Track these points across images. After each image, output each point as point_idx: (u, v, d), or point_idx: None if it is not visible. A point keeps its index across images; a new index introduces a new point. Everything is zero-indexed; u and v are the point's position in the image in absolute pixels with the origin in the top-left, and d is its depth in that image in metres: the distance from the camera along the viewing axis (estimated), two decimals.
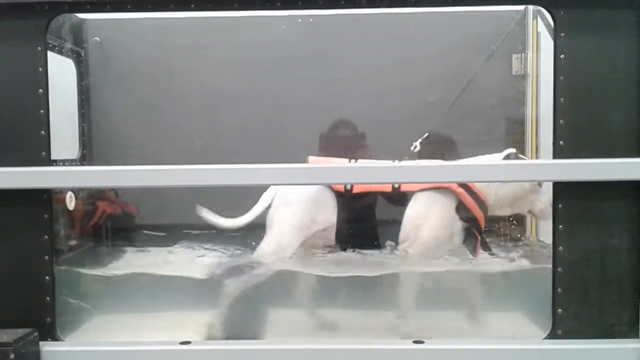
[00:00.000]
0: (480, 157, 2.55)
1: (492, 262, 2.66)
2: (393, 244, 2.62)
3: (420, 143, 2.79)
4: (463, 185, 2.53)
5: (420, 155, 2.78)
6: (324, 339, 2.37)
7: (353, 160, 2.61)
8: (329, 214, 2.63)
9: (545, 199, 2.57)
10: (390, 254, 2.62)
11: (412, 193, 2.60)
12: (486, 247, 2.63)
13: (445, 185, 2.54)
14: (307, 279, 2.70)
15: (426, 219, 2.58)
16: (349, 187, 2.59)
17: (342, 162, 2.63)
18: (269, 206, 2.66)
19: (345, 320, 2.60)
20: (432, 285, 2.64)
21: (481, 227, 2.58)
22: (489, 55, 2.90)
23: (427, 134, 2.82)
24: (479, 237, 2.59)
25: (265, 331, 2.55)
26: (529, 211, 2.67)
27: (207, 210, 2.67)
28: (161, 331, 2.45)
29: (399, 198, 2.60)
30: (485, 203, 2.56)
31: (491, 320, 2.58)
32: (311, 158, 2.63)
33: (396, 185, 2.57)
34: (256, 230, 2.71)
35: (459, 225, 2.58)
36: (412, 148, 2.81)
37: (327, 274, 2.65)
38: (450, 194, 2.56)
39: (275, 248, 2.62)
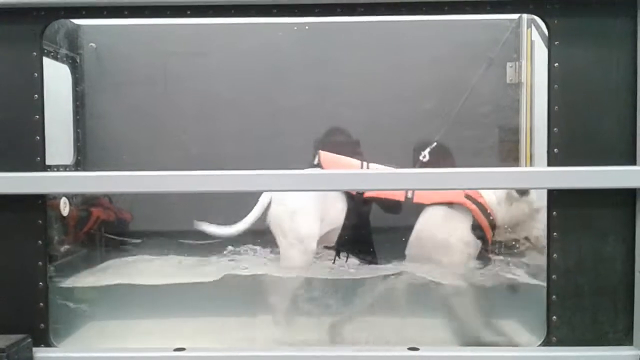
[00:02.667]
0: None
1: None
2: None
3: (429, 153, 2.79)
4: (476, 203, 2.53)
5: (429, 165, 2.77)
6: (319, 346, 2.36)
7: (365, 164, 2.58)
8: (337, 214, 2.60)
9: (541, 226, 2.54)
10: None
11: (423, 206, 2.57)
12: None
13: (460, 200, 2.53)
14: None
15: (449, 236, 2.56)
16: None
17: (354, 163, 2.61)
18: (268, 206, 2.62)
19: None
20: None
21: (488, 243, 2.59)
22: (488, 64, 2.91)
23: (435, 143, 2.81)
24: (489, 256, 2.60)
25: None
26: (526, 237, 2.65)
27: (205, 223, 2.66)
28: (155, 338, 2.44)
29: (410, 209, 2.58)
30: (496, 222, 2.57)
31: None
32: (323, 153, 2.62)
33: (409, 195, 2.55)
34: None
35: (477, 247, 2.56)
36: (421, 157, 2.80)
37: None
38: (465, 211, 2.55)
39: (300, 253, 2.58)
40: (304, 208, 2.60)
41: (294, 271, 2.60)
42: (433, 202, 2.57)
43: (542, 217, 2.52)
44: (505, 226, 2.62)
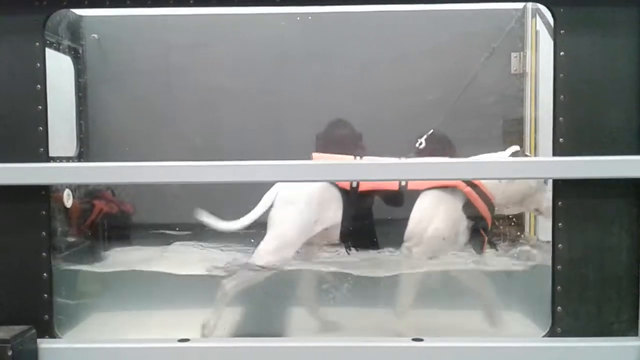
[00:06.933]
0: (486, 155, 2.54)
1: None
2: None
3: (426, 140, 2.78)
4: (471, 184, 2.52)
5: (425, 152, 2.76)
6: (322, 336, 2.36)
7: (358, 158, 2.57)
8: (334, 213, 2.59)
9: (550, 196, 2.56)
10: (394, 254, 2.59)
11: (419, 192, 2.56)
12: (492, 245, 2.62)
13: (453, 183, 2.52)
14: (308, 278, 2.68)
15: (433, 219, 2.55)
16: (354, 184, 2.56)
17: (346, 159, 2.60)
18: (271, 206, 2.60)
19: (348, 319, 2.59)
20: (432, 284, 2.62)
21: (488, 225, 2.57)
22: (490, 54, 2.89)
23: (432, 130, 2.81)
24: (486, 237, 2.58)
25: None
26: (536, 209, 2.65)
27: (206, 213, 2.63)
28: (159, 329, 2.44)
29: (405, 196, 2.56)
30: (493, 202, 2.55)
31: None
32: (315, 155, 2.60)
33: (403, 184, 2.54)
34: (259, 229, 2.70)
35: (465, 224, 2.56)
36: (417, 145, 2.80)
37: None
38: (458, 192, 2.54)
39: (275, 247, 2.57)
40: (295, 208, 2.59)
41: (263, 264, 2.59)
42: (427, 187, 2.57)
43: (550, 187, 2.54)
44: (513, 204, 2.62)
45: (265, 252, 2.57)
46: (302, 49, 3.21)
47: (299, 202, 2.60)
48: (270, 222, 2.60)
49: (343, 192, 2.60)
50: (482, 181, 2.54)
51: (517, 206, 2.66)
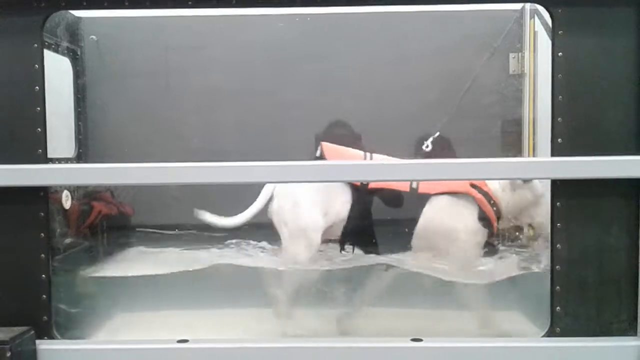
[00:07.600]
0: None
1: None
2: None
3: (432, 142, 2.78)
4: (481, 191, 2.52)
5: (431, 154, 2.76)
6: (322, 337, 2.36)
7: (369, 154, 2.56)
8: (341, 207, 2.57)
9: (544, 212, 2.56)
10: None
11: (428, 195, 2.55)
12: (495, 252, 2.63)
13: (465, 190, 2.52)
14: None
15: (460, 225, 2.54)
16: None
17: (357, 153, 2.60)
18: (270, 200, 2.60)
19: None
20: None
21: (493, 232, 2.58)
22: (491, 54, 2.89)
23: (438, 133, 2.80)
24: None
25: None
26: (529, 224, 2.67)
27: (205, 212, 2.65)
28: (158, 330, 2.44)
29: (416, 199, 2.56)
30: (500, 210, 2.55)
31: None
32: (325, 145, 2.59)
33: (414, 185, 2.53)
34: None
35: (483, 235, 2.55)
36: (424, 147, 2.79)
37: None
38: (470, 199, 2.53)
39: (304, 246, 2.55)
40: (307, 200, 2.57)
41: (296, 265, 2.58)
42: (438, 192, 2.56)
43: (545, 202, 2.54)
44: (509, 215, 2.61)
45: (296, 253, 2.57)
46: (301, 50, 3.21)
47: (308, 195, 2.58)
48: (282, 221, 2.59)
49: (352, 187, 2.58)
50: (490, 189, 2.55)
51: (513, 218, 2.66)
